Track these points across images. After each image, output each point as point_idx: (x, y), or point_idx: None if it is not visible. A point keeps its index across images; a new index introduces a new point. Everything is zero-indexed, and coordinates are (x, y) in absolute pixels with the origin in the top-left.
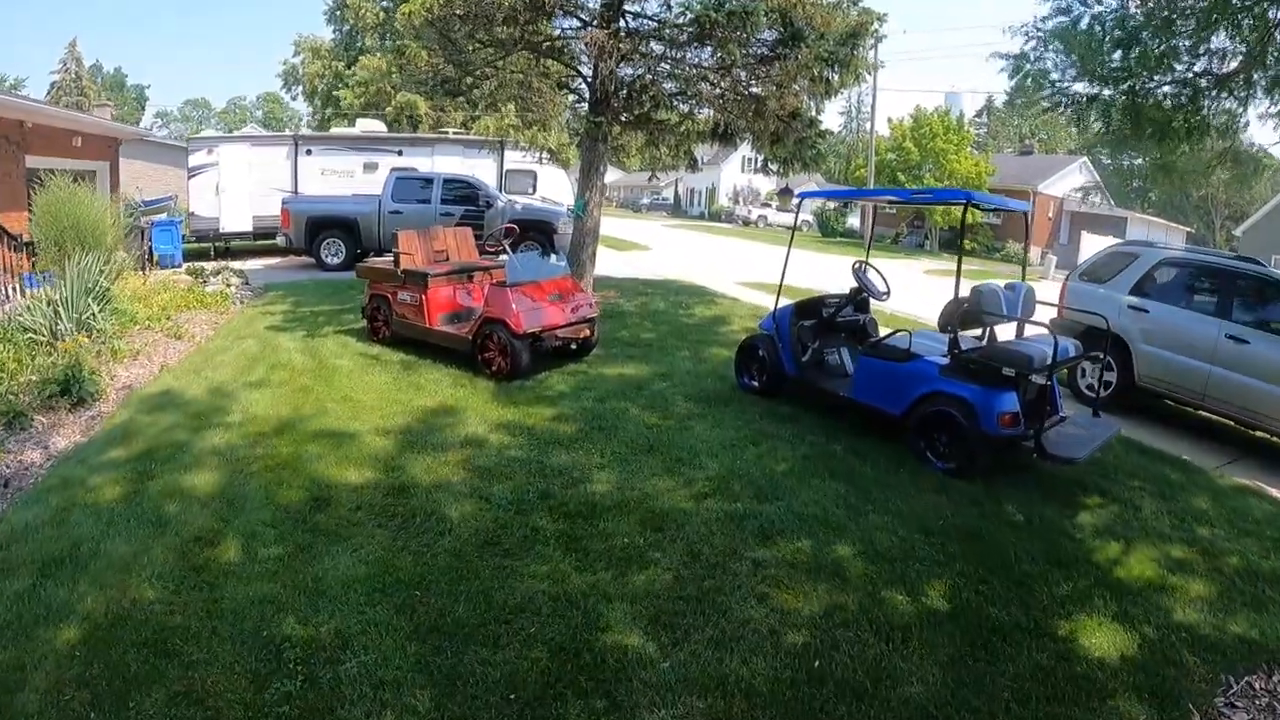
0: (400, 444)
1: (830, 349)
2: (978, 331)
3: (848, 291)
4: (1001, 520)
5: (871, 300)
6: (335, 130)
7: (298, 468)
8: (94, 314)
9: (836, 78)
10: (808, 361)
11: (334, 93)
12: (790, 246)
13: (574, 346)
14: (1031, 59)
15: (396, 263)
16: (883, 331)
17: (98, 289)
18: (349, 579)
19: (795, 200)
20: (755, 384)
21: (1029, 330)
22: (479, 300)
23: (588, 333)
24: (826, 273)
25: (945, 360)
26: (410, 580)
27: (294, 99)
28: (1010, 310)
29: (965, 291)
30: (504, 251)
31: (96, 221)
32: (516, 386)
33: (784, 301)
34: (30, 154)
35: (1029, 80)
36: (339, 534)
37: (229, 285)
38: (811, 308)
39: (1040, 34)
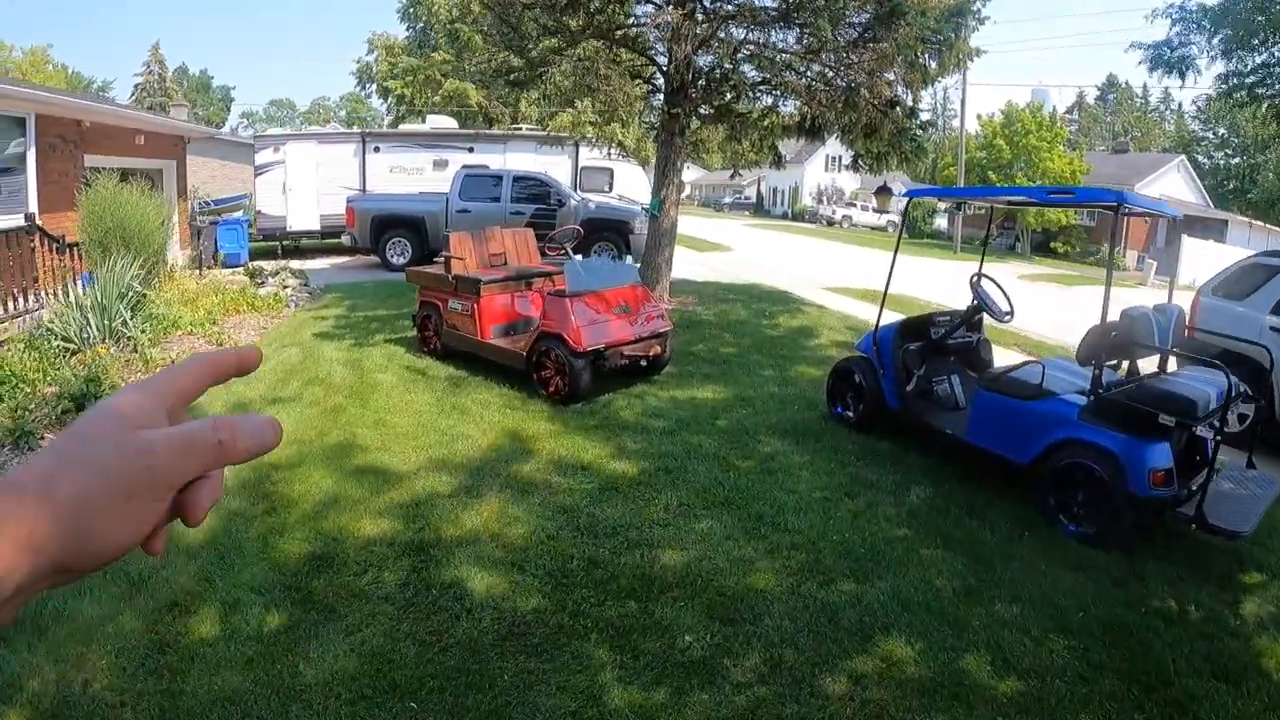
0: (430, 485)
1: (939, 377)
2: (1111, 361)
3: (964, 309)
4: (1150, 609)
5: (988, 319)
6: (404, 127)
7: (306, 512)
8: (125, 320)
9: (934, 64)
10: (913, 391)
11: (385, 84)
12: (896, 252)
13: (644, 363)
14: (1174, 45)
15: (447, 267)
16: (996, 353)
17: (130, 294)
18: (334, 676)
19: (902, 198)
20: (850, 415)
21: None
22: (539, 310)
23: (659, 349)
24: (914, 276)
25: (1085, 401)
26: (408, 684)
27: (368, 96)
28: (1162, 339)
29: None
30: (566, 255)
31: (142, 222)
32: (574, 412)
33: (886, 317)
34: (90, 153)
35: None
36: (335, 608)
37: (285, 287)
38: (918, 327)
39: (1186, 16)
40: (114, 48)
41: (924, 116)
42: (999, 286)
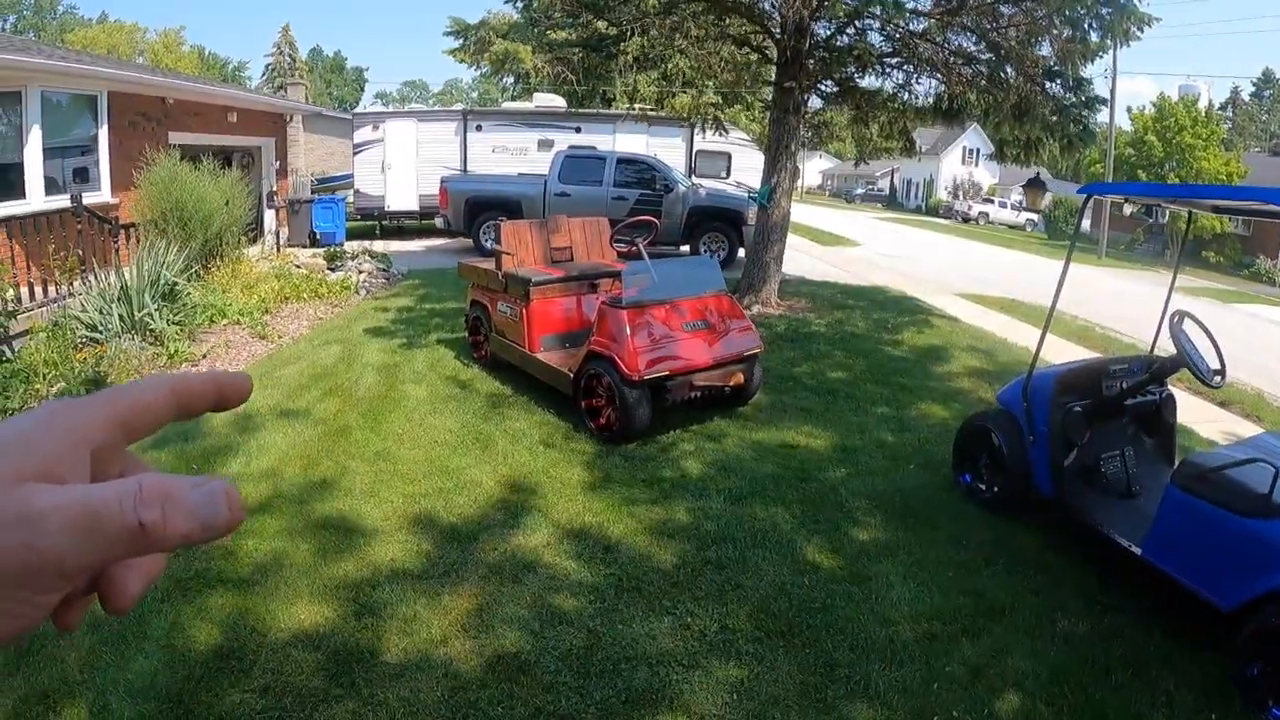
0: (401, 556)
1: (1110, 451)
2: None
3: (1152, 358)
4: None
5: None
6: (507, 105)
7: (240, 577)
8: (150, 312)
9: (1096, 36)
10: (1072, 468)
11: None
12: (1068, 261)
13: (727, 391)
14: None
15: (498, 263)
16: (1192, 411)
17: (162, 283)
18: None
19: (1079, 194)
20: (982, 489)
21: None
22: None
23: (742, 377)
24: (1055, 283)
25: None
26: None
27: (483, 74)
28: None
29: None
30: (635, 251)
31: (200, 202)
32: (623, 456)
33: (1045, 354)
34: (176, 131)
35: None
36: None
37: (360, 272)
38: (1085, 381)
39: None
40: (249, 30)
41: (1095, 90)
42: (1207, 332)
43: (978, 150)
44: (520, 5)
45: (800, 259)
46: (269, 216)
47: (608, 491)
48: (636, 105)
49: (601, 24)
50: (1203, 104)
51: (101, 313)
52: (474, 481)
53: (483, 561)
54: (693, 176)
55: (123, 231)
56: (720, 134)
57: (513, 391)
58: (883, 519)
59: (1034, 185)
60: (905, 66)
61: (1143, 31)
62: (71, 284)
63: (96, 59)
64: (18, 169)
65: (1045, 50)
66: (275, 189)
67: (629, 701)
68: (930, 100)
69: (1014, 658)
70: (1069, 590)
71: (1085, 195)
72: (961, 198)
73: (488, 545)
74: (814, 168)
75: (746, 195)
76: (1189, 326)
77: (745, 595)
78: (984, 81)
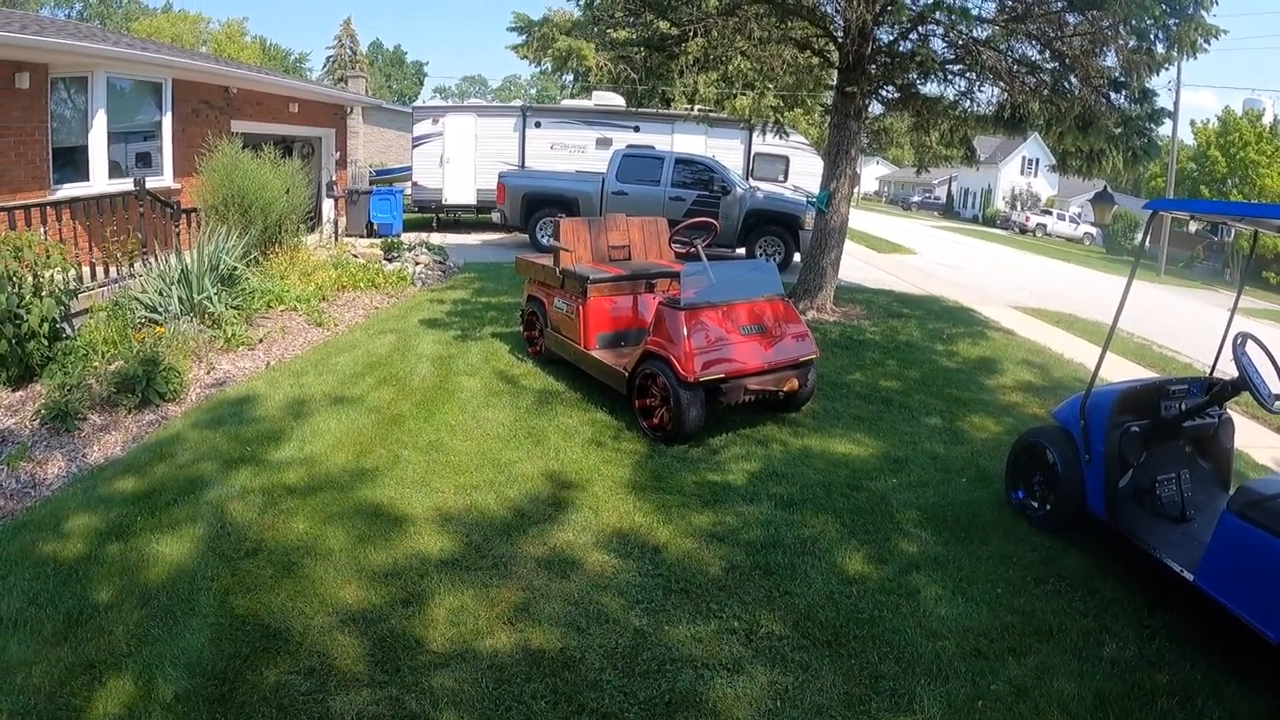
0: (451, 546)
1: (1166, 473)
2: None
3: (1213, 380)
4: None
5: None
6: (566, 103)
7: (291, 560)
8: (209, 296)
9: (1163, 47)
10: (1126, 490)
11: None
12: (1131, 279)
13: (780, 396)
14: None
15: (555, 259)
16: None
17: (222, 267)
18: None
19: (1144, 210)
20: (1034, 506)
21: None
22: None
23: (796, 383)
24: (1113, 300)
25: None
26: None
27: (543, 71)
28: None
29: None
30: (693, 252)
31: (261, 190)
32: (674, 457)
33: (1105, 371)
34: (238, 119)
35: None
36: None
37: (416, 264)
38: (1143, 401)
39: None
40: (311, 22)
41: (1160, 103)
42: (1270, 355)
43: (1037, 161)
44: (581, 2)
45: (856, 265)
46: (328, 206)
47: (658, 492)
48: (696, 106)
49: (663, 24)
50: (1268, 119)
51: (161, 294)
52: (524, 476)
53: (530, 556)
54: (750, 179)
55: (184, 216)
56: (780, 137)
57: (566, 388)
58: (932, 532)
59: (1102, 199)
60: (968, 74)
61: (1209, 44)
62: (132, 265)
63: (162, 46)
64: (82, 152)
65: (1110, 60)
66: (334, 179)
67: (672, 703)
68: (992, 108)
69: (1059, 679)
70: (1117, 613)
71: (1150, 211)
72: (1019, 208)
73: (536, 540)
74: (870, 174)
75: (805, 200)
76: (1251, 349)
77: (792, 602)
78: (1047, 91)
